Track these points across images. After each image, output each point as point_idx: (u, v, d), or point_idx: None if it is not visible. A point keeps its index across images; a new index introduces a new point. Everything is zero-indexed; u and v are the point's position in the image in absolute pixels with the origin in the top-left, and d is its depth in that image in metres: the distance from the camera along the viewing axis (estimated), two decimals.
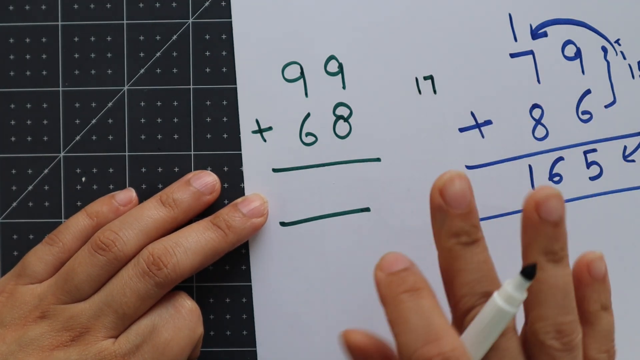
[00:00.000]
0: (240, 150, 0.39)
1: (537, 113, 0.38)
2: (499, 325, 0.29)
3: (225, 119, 0.39)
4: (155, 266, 0.34)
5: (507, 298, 0.29)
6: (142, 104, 0.39)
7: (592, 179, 0.38)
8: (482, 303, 0.30)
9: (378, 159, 0.38)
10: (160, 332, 0.34)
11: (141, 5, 0.39)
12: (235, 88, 0.38)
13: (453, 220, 0.30)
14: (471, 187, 0.30)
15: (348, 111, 0.38)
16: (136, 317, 0.34)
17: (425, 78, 0.38)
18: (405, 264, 0.30)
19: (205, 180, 0.37)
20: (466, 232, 0.30)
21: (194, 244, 0.35)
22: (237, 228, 0.36)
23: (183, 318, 0.35)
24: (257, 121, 0.38)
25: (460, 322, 0.30)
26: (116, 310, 0.34)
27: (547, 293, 0.30)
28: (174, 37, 0.39)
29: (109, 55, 0.39)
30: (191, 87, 0.39)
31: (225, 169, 0.39)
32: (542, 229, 0.30)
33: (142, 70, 0.39)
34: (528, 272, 0.29)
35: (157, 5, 0.39)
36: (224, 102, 0.39)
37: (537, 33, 0.38)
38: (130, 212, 0.36)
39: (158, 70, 0.39)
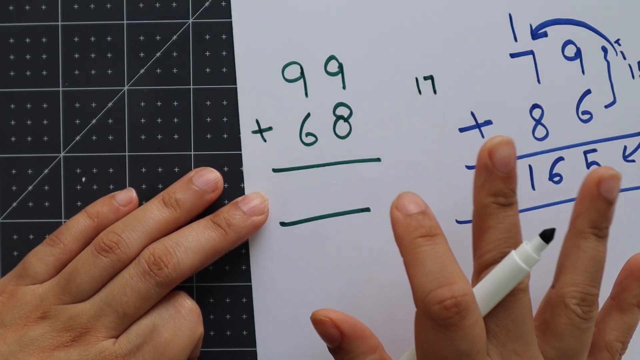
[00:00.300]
0: (240, 150, 0.39)
1: (537, 113, 0.38)
2: (512, 281, 0.31)
3: (225, 119, 0.39)
4: (156, 266, 0.34)
5: (524, 257, 0.31)
6: (142, 104, 0.39)
7: None
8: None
9: (378, 159, 0.38)
10: (160, 332, 0.34)
11: (141, 5, 0.39)
12: (235, 88, 0.38)
13: (495, 180, 0.32)
14: (516, 155, 0.32)
15: (348, 111, 0.38)
16: (137, 317, 0.34)
17: (425, 78, 0.38)
18: (422, 207, 0.32)
19: (208, 178, 0.37)
20: (504, 193, 0.32)
21: (195, 243, 0.35)
22: (237, 226, 0.36)
23: (183, 318, 0.35)
24: (257, 121, 0.38)
25: (478, 275, 0.32)
26: (117, 310, 0.34)
27: (585, 262, 0.32)
28: (174, 37, 0.39)
29: (109, 55, 0.39)
30: (191, 87, 0.39)
31: (225, 169, 0.39)
32: (596, 203, 0.32)
33: (142, 70, 0.39)
34: (547, 235, 0.31)
35: (157, 5, 0.39)
36: (224, 102, 0.39)
37: (537, 33, 0.38)
38: (133, 214, 0.36)
39: (158, 70, 0.39)
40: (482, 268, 0.32)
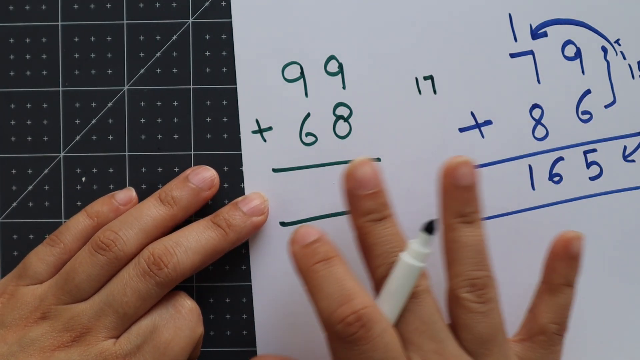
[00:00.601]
0: (240, 150, 0.39)
1: (537, 113, 0.38)
2: (409, 281, 0.32)
3: (225, 119, 0.39)
4: (155, 266, 0.34)
5: (413, 253, 0.32)
6: (142, 104, 0.39)
7: (592, 179, 0.38)
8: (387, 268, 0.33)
9: (378, 159, 0.38)
10: (161, 332, 0.34)
11: (141, 5, 0.39)
12: (235, 88, 0.38)
13: (362, 200, 0.33)
14: (378, 169, 0.33)
15: (348, 111, 0.38)
16: (137, 317, 0.34)
17: (425, 78, 0.38)
18: (316, 235, 0.33)
19: (204, 176, 0.37)
20: (375, 209, 0.33)
21: (195, 243, 0.35)
22: (237, 226, 0.36)
23: (183, 318, 0.35)
24: (257, 121, 0.38)
25: (378, 290, 0.33)
26: (117, 310, 0.34)
27: (460, 251, 0.33)
28: (174, 37, 0.39)
29: (109, 55, 0.39)
30: (191, 87, 0.39)
31: (225, 169, 0.39)
32: (455, 193, 0.33)
33: (142, 70, 0.39)
34: (428, 227, 0.32)
35: (157, 5, 0.39)
36: (224, 102, 0.39)
37: (537, 33, 0.38)
38: (129, 212, 0.36)
39: (158, 70, 0.39)
40: (378, 283, 0.33)
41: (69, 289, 0.34)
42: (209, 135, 0.39)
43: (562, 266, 0.35)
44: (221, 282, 0.39)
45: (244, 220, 0.37)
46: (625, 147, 0.38)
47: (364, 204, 0.33)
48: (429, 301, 0.33)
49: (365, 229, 0.33)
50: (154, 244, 0.35)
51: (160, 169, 0.39)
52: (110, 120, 0.39)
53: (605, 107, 0.38)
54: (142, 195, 0.38)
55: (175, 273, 0.34)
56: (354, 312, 0.30)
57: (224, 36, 0.38)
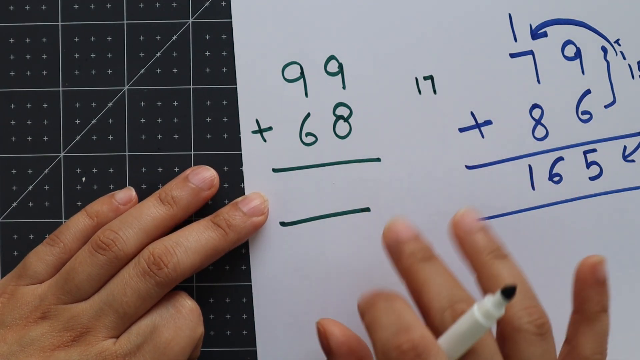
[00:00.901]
0: (240, 150, 0.39)
1: (537, 113, 0.38)
2: (474, 337, 0.30)
3: (225, 119, 0.39)
4: (155, 266, 0.34)
5: (485, 313, 0.30)
6: (142, 104, 0.39)
7: (592, 179, 0.38)
8: (454, 315, 0.31)
9: (378, 159, 0.38)
10: (161, 332, 0.34)
11: (141, 5, 0.39)
12: (235, 88, 0.38)
13: (404, 244, 0.33)
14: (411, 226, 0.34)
15: (348, 111, 0.38)
16: (137, 317, 0.34)
17: (425, 78, 0.38)
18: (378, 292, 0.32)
19: (204, 176, 0.37)
20: (419, 250, 0.33)
21: (195, 243, 0.35)
22: (237, 227, 0.36)
23: (184, 318, 0.35)
24: (257, 121, 0.38)
25: (435, 332, 0.31)
26: (117, 310, 0.34)
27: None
28: (174, 37, 0.39)
29: (109, 55, 0.39)
30: (191, 87, 0.39)
31: (225, 169, 0.39)
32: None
33: (142, 70, 0.39)
34: (508, 292, 0.29)
35: (157, 5, 0.39)
36: (224, 102, 0.39)
37: (537, 33, 0.38)
38: (129, 212, 0.36)
39: (158, 70, 0.39)
40: (439, 326, 0.31)
41: (68, 288, 0.34)
42: (209, 135, 0.39)
43: (594, 293, 0.33)
44: (221, 282, 0.39)
45: (244, 221, 0.37)
46: (625, 147, 0.38)
47: (407, 247, 0.33)
48: (489, 342, 0.31)
49: (414, 268, 0.32)
50: (154, 244, 0.35)
51: (160, 169, 0.39)
52: (110, 120, 0.39)
53: (605, 107, 0.38)
54: (142, 195, 0.38)
55: (175, 273, 0.34)
56: (410, 340, 0.29)
57: (224, 36, 0.38)
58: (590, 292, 0.33)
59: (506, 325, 0.32)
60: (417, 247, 0.33)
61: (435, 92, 0.38)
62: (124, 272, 0.34)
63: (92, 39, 0.39)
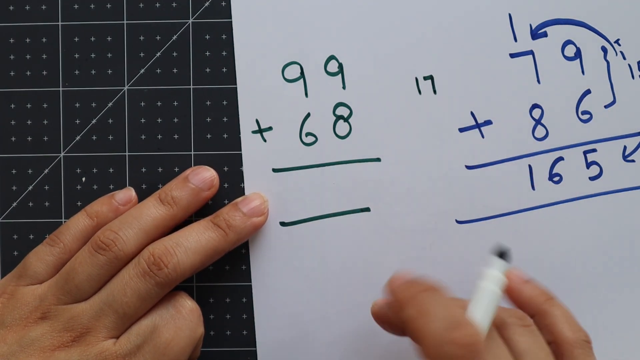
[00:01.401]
0: (240, 150, 0.39)
1: (537, 113, 0.38)
2: (493, 307, 0.32)
3: (225, 119, 0.39)
4: (155, 266, 0.34)
5: (493, 279, 0.32)
6: (142, 104, 0.39)
7: (592, 179, 0.38)
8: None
9: (378, 159, 0.38)
10: (161, 332, 0.34)
11: (141, 5, 0.39)
12: (235, 88, 0.38)
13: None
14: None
15: (348, 111, 0.38)
16: (137, 318, 0.34)
17: (425, 78, 0.38)
18: (413, 275, 0.33)
19: (204, 176, 0.37)
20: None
21: (195, 243, 0.35)
22: (237, 227, 0.36)
23: (184, 318, 0.35)
24: (257, 121, 0.38)
25: None
26: (117, 310, 0.34)
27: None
28: (174, 37, 0.39)
29: (109, 55, 0.39)
30: (191, 87, 0.39)
31: (225, 169, 0.39)
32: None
33: (142, 70, 0.39)
34: (502, 254, 0.32)
35: (157, 5, 0.39)
36: (224, 102, 0.39)
37: (537, 33, 0.38)
38: (129, 212, 0.36)
39: (158, 70, 0.39)
40: None
41: (68, 288, 0.34)
42: (209, 135, 0.39)
43: (530, 289, 0.34)
44: (221, 282, 0.39)
45: (244, 221, 0.37)
46: (625, 147, 0.38)
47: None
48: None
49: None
50: (154, 244, 0.35)
51: (160, 169, 0.39)
52: (110, 120, 0.39)
53: (605, 107, 0.38)
54: (142, 195, 0.38)
55: (175, 273, 0.34)
56: (467, 336, 0.29)
57: (224, 36, 0.38)
58: (526, 290, 0.34)
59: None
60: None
61: (435, 92, 0.38)
62: (124, 273, 0.34)
63: (92, 39, 0.39)
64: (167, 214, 0.36)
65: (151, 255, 0.34)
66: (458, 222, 0.38)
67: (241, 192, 0.39)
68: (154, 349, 0.34)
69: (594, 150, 0.38)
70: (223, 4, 0.38)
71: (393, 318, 0.34)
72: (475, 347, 0.29)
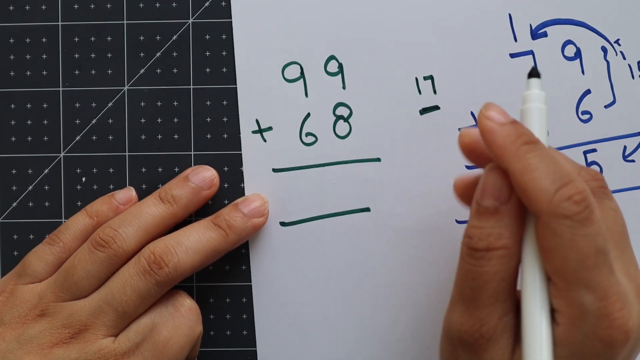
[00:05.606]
0: (240, 150, 0.39)
1: None
2: (546, 123, 0.31)
3: (225, 119, 0.39)
4: (156, 265, 0.34)
5: (538, 97, 0.31)
6: (142, 104, 0.39)
7: None
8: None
9: (378, 159, 0.38)
10: (159, 331, 0.34)
11: (141, 5, 0.39)
12: (235, 88, 0.38)
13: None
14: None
15: (348, 111, 0.38)
16: (136, 316, 0.34)
17: (425, 78, 0.38)
18: (511, 118, 0.31)
19: (204, 175, 0.37)
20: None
21: (195, 243, 0.35)
22: (237, 228, 0.36)
23: (182, 317, 0.35)
24: (257, 121, 0.38)
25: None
26: (116, 308, 0.34)
27: None
28: (174, 37, 0.39)
29: (109, 55, 0.39)
30: (191, 87, 0.39)
31: (225, 169, 0.39)
32: None
33: (142, 70, 0.39)
34: (534, 73, 0.31)
35: (157, 5, 0.39)
36: (224, 102, 0.39)
37: (537, 33, 0.38)
38: (129, 210, 0.36)
39: (158, 70, 0.39)
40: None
41: (67, 286, 0.34)
42: (209, 135, 0.39)
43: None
44: (221, 282, 0.39)
45: (245, 222, 0.37)
46: (625, 147, 0.38)
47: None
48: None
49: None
50: (154, 243, 0.35)
51: (160, 169, 0.39)
52: (110, 120, 0.39)
53: (605, 107, 0.38)
54: (142, 195, 0.38)
55: (175, 272, 0.34)
56: (579, 192, 0.28)
57: (224, 36, 0.38)
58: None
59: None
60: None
61: (435, 92, 0.38)
62: (123, 271, 0.34)
63: (92, 39, 0.39)
64: (167, 212, 0.36)
65: (152, 254, 0.34)
66: (458, 222, 0.38)
67: (241, 192, 0.39)
68: (153, 347, 0.34)
69: (594, 150, 0.38)
70: (223, 4, 0.38)
71: (486, 153, 0.31)
72: (589, 201, 0.28)
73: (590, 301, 0.28)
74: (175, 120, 0.39)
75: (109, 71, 0.39)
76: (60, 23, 0.39)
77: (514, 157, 0.29)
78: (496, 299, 0.30)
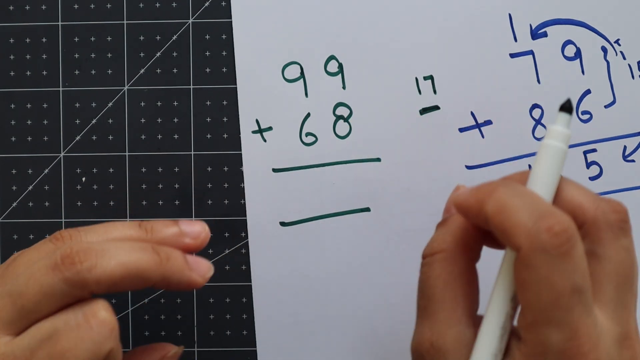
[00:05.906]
0: (240, 150, 0.39)
1: (537, 113, 0.38)
2: (560, 164, 0.29)
3: (225, 119, 0.39)
4: (69, 259, 0.29)
5: (558, 135, 0.28)
6: (142, 104, 0.39)
7: (592, 179, 0.38)
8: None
9: (378, 159, 0.38)
10: (58, 339, 0.29)
11: (141, 5, 0.39)
12: (235, 88, 0.38)
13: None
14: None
15: (348, 111, 0.38)
16: (39, 316, 0.29)
17: (425, 78, 0.38)
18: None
19: (193, 228, 0.33)
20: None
21: (124, 256, 0.30)
22: (173, 268, 0.31)
23: (90, 329, 0.29)
24: (257, 121, 0.38)
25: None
26: (15, 301, 0.29)
27: None
28: (174, 37, 0.39)
29: (109, 55, 0.39)
30: (191, 87, 0.39)
31: (225, 169, 0.39)
32: None
33: (142, 70, 0.39)
34: (567, 106, 0.28)
35: (157, 5, 0.39)
36: (224, 102, 0.39)
37: (537, 33, 0.38)
38: (103, 223, 0.32)
39: (158, 70, 0.39)
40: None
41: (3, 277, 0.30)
42: (209, 135, 0.39)
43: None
44: (221, 282, 0.39)
45: (183, 269, 0.32)
46: (625, 147, 0.38)
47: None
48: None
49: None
50: (78, 241, 0.31)
51: (160, 169, 0.39)
52: (110, 120, 0.39)
53: (605, 107, 0.38)
54: (142, 196, 0.38)
55: (89, 274, 0.29)
56: (560, 223, 0.27)
57: (224, 36, 0.38)
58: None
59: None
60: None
61: (435, 92, 0.38)
62: (35, 262, 0.30)
63: (92, 39, 0.39)
64: (139, 237, 0.32)
65: (69, 248, 0.29)
66: None
67: (241, 192, 0.39)
68: (47, 357, 0.29)
69: (594, 150, 0.38)
70: (223, 4, 0.38)
71: (476, 214, 0.30)
72: (570, 234, 0.27)
73: (557, 340, 0.27)
74: (175, 120, 0.39)
75: (109, 71, 0.39)
76: (60, 23, 0.39)
77: (490, 200, 0.28)
78: (442, 307, 0.29)
